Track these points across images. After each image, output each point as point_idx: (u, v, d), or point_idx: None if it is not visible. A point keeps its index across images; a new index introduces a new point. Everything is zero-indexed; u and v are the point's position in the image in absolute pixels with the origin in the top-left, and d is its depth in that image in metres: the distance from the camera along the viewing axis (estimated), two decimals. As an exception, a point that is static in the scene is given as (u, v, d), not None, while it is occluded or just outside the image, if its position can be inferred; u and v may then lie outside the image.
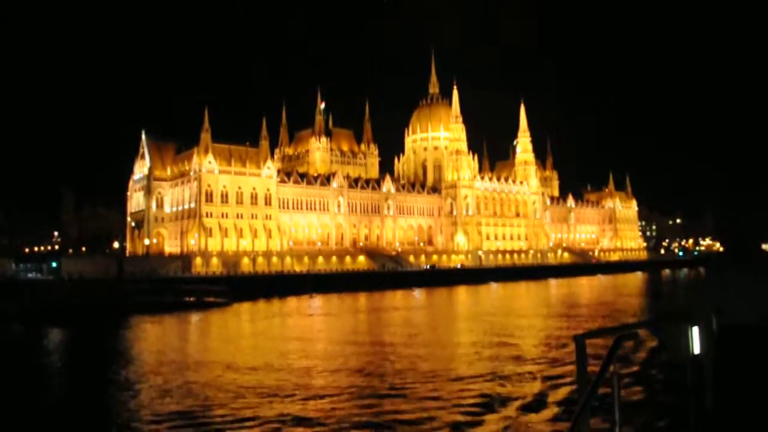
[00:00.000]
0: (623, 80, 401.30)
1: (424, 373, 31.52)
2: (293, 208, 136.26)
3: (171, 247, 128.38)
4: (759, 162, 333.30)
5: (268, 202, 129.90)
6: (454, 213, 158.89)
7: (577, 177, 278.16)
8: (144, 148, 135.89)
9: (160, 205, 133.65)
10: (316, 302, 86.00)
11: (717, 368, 4.69)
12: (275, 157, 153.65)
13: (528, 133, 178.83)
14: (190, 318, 68.10)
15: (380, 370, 33.10)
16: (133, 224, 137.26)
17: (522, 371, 31.72)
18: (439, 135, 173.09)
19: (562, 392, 26.22)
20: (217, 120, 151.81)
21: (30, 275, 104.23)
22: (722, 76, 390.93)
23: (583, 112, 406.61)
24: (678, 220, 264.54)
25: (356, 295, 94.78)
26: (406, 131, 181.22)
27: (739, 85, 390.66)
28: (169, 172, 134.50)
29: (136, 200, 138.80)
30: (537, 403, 24.62)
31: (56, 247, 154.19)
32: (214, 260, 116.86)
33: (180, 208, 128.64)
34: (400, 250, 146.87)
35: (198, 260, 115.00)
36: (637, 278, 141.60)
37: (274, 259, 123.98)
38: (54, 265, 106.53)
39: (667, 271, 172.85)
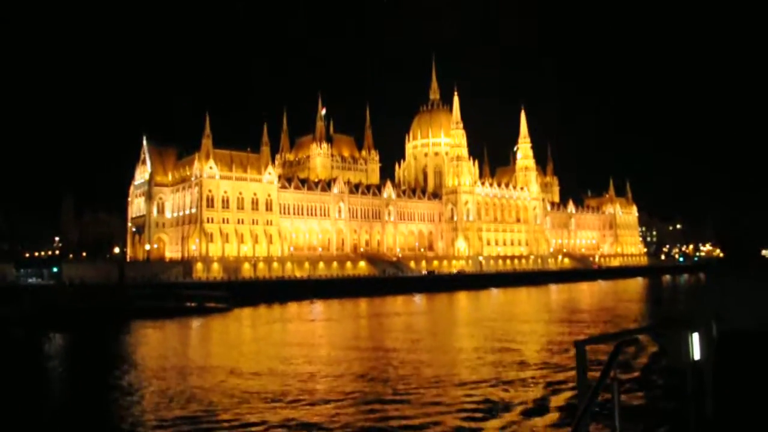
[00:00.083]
0: (623, 81, 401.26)
1: (427, 379, 31.68)
2: (294, 213, 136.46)
3: (172, 252, 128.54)
4: (759, 166, 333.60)
5: (269, 207, 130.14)
6: (455, 219, 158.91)
7: (577, 183, 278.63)
8: (145, 154, 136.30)
9: (161, 211, 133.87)
10: (317, 308, 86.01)
11: (717, 374, 4.81)
12: (276, 162, 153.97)
13: (528, 139, 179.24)
14: (192, 323, 68.18)
15: (383, 376, 33.25)
16: (133, 229, 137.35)
17: (524, 376, 31.90)
18: (439, 141, 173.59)
19: (563, 397, 26.36)
20: (218, 126, 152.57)
21: (31, 280, 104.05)
22: (722, 78, 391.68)
23: (583, 113, 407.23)
24: (678, 226, 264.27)
25: (357, 300, 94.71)
26: (406, 137, 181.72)
27: (739, 85, 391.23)
28: (170, 177, 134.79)
29: (137, 205, 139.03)
30: (539, 409, 24.80)
31: (57, 252, 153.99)
32: (215, 266, 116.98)
33: (181, 214, 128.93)
34: (400, 255, 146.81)
35: (199, 266, 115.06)
36: (637, 284, 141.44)
37: (275, 264, 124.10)
38: (55, 270, 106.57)
39: (667, 277, 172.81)
